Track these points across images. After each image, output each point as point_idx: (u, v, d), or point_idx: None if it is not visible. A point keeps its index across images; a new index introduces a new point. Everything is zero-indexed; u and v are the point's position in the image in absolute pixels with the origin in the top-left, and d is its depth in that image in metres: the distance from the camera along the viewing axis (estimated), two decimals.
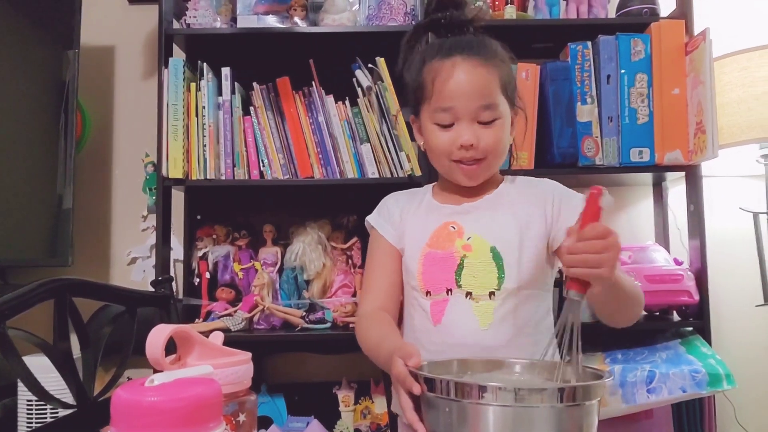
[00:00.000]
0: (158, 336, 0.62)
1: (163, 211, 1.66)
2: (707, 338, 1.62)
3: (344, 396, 1.75)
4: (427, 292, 1.08)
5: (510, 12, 1.74)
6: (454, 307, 1.06)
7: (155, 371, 0.59)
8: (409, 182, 1.64)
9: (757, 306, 1.74)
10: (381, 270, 1.15)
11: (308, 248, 1.72)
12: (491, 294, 1.04)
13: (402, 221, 1.15)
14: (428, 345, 1.06)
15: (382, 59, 1.66)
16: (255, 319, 1.69)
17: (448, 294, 1.06)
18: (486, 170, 1.09)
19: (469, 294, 1.05)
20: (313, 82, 1.69)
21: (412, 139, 1.66)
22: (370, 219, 1.20)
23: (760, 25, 1.96)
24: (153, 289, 1.23)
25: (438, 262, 1.07)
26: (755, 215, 1.74)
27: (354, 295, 1.75)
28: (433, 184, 1.22)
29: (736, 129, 1.65)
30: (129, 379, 1.66)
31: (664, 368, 1.51)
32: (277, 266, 1.77)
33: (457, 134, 1.05)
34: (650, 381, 1.49)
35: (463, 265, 1.06)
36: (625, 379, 1.50)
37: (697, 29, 1.67)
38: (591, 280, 0.80)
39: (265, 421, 1.70)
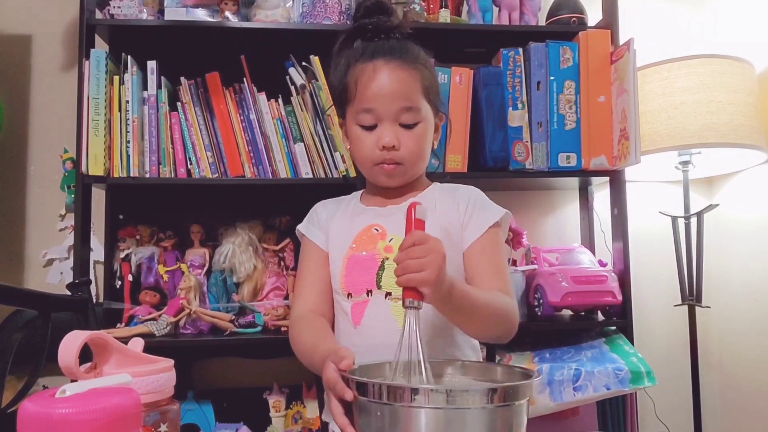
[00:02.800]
0: (71, 343, 0.58)
1: (82, 209, 1.59)
2: (629, 337, 1.69)
3: (275, 401, 1.72)
4: (349, 294, 1.09)
5: (444, 16, 1.76)
6: (374, 308, 1.06)
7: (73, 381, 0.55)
8: (344, 183, 1.62)
9: (675, 306, 1.83)
10: (313, 274, 1.15)
11: (238, 250, 1.68)
12: None
13: (328, 226, 1.16)
14: (351, 348, 1.06)
15: (317, 58, 1.64)
16: (181, 323, 1.63)
17: (368, 295, 1.07)
18: (405, 173, 1.10)
19: (388, 294, 1.05)
20: (245, 79, 1.65)
21: None
22: (301, 227, 1.20)
23: (681, 37, 2.07)
24: (69, 293, 1.17)
25: (360, 264, 1.08)
26: (674, 219, 1.82)
27: (286, 298, 1.72)
28: (362, 190, 1.23)
29: (656, 136, 1.72)
30: (45, 387, 1.57)
31: (590, 366, 1.56)
32: (205, 268, 1.73)
33: (378, 136, 1.07)
34: (576, 379, 1.54)
35: (384, 267, 1.06)
36: (553, 377, 1.54)
37: (622, 39, 1.74)
38: (416, 284, 0.82)
39: (191, 429, 1.64)
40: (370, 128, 1.08)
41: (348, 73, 1.10)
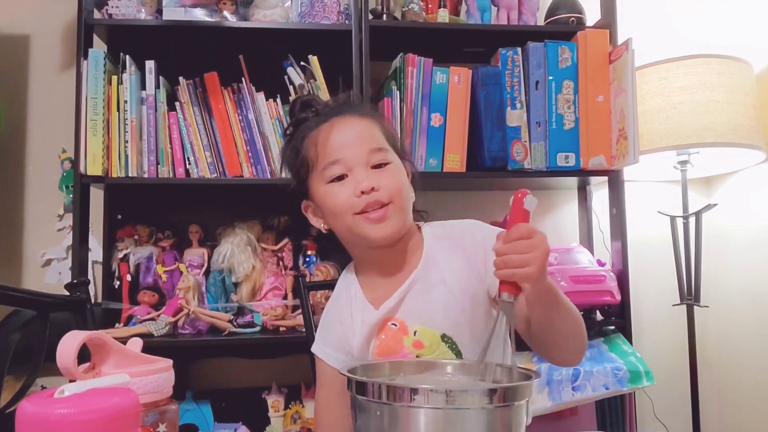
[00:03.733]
0: (70, 343, 0.58)
1: (80, 210, 1.59)
2: (628, 337, 1.69)
3: (274, 401, 1.72)
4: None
5: (443, 16, 1.76)
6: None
7: (72, 382, 0.55)
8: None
9: (673, 305, 1.83)
10: (337, 404, 1.03)
11: (237, 250, 1.68)
12: None
13: (346, 343, 1.05)
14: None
15: (315, 57, 1.64)
16: (180, 323, 1.63)
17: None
18: (395, 214, 0.98)
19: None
20: (243, 79, 1.65)
21: None
22: (316, 351, 1.09)
23: (679, 37, 2.06)
24: (68, 293, 1.16)
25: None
26: (672, 219, 1.82)
27: (285, 297, 1.72)
28: (354, 274, 1.10)
29: (655, 136, 1.72)
30: (43, 387, 1.57)
31: (588, 366, 1.56)
32: (204, 268, 1.73)
33: (353, 183, 0.97)
34: (575, 379, 1.54)
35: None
36: (552, 377, 1.54)
37: (620, 39, 1.74)
38: (518, 280, 0.81)
39: (190, 429, 1.64)
40: (341, 179, 0.98)
41: (303, 145, 1.03)
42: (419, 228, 1.07)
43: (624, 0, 1.84)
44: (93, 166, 1.57)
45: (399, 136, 1.12)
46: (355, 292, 1.07)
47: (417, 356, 0.98)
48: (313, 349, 1.09)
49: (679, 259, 1.82)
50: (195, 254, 1.74)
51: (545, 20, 1.85)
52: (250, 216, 1.78)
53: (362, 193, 0.96)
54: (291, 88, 1.64)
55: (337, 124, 1.01)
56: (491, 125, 1.68)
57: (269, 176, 1.63)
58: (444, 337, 0.99)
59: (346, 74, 1.66)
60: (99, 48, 1.63)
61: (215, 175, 1.63)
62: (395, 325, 1.01)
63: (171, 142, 1.63)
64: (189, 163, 1.63)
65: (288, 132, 1.09)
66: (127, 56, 1.62)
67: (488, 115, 1.68)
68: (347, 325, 1.05)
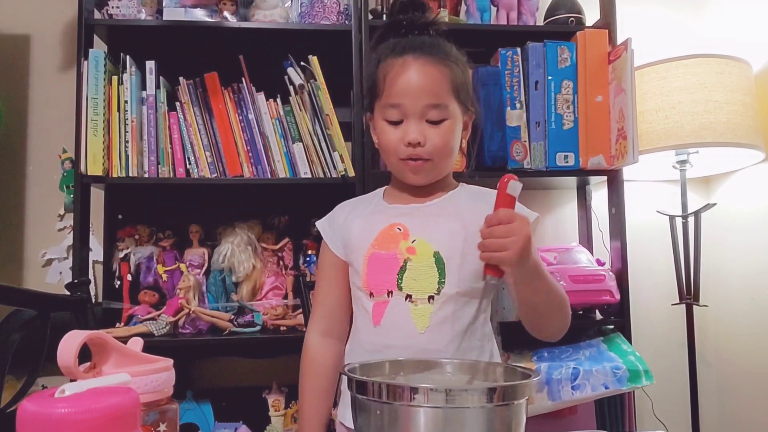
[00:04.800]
0: (71, 343, 0.58)
1: (81, 209, 1.59)
2: (627, 336, 1.69)
3: (274, 400, 1.72)
4: (371, 293, 1.08)
5: (443, 16, 1.76)
6: (394, 309, 1.05)
7: (72, 381, 0.55)
8: (342, 183, 1.62)
9: (672, 304, 1.83)
10: (328, 285, 1.16)
11: (237, 249, 1.69)
12: (430, 298, 1.04)
13: (347, 225, 1.14)
14: (367, 345, 1.07)
15: (315, 58, 1.64)
16: (180, 323, 1.63)
17: (388, 296, 1.06)
18: (432, 170, 1.09)
19: (408, 297, 1.05)
20: (243, 79, 1.65)
21: (347, 139, 1.65)
22: (319, 225, 1.19)
23: (679, 37, 2.07)
24: (68, 293, 1.17)
25: (382, 263, 1.07)
26: (671, 218, 1.83)
27: (285, 297, 1.72)
28: (386, 186, 1.21)
29: (654, 136, 1.72)
30: (44, 387, 1.57)
31: (588, 365, 1.56)
32: (204, 268, 1.73)
33: (404, 132, 1.05)
34: (575, 378, 1.54)
35: (405, 268, 1.05)
36: (551, 376, 1.54)
37: (619, 39, 1.74)
38: (497, 263, 0.86)
39: (191, 429, 1.64)
40: (397, 123, 1.07)
41: (378, 68, 1.10)
42: (459, 185, 1.17)
43: (623, 0, 1.84)
44: (93, 166, 1.57)
45: (470, 80, 1.17)
46: (376, 196, 1.19)
47: (406, 260, 1.05)
48: (318, 223, 1.19)
49: (678, 258, 1.82)
50: (195, 254, 1.74)
51: (544, 20, 1.86)
52: (251, 216, 1.78)
53: (409, 144, 1.04)
54: (291, 88, 1.64)
55: (409, 65, 1.06)
56: (491, 125, 1.68)
57: (269, 176, 1.64)
58: (436, 255, 1.05)
59: (346, 74, 1.66)
60: (99, 48, 1.63)
61: (215, 175, 1.64)
62: (400, 230, 1.08)
63: (171, 142, 1.63)
64: (189, 163, 1.64)
65: (379, 33, 1.16)
66: (128, 56, 1.62)
67: (488, 115, 1.68)
68: (359, 210, 1.15)
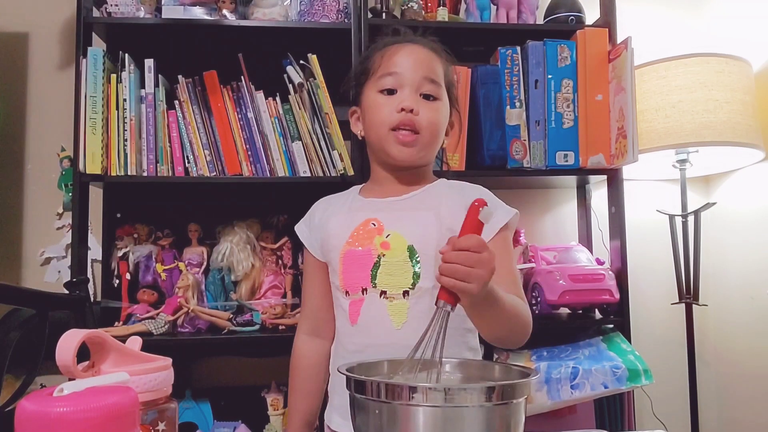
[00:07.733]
0: (69, 341, 0.58)
1: (79, 208, 1.59)
2: (627, 335, 1.69)
3: (273, 399, 1.72)
4: (346, 292, 1.08)
5: (442, 14, 1.76)
6: (369, 307, 1.05)
7: (71, 380, 0.55)
8: (342, 181, 1.62)
9: (672, 304, 1.83)
10: (311, 286, 1.19)
11: (236, 248, 1.68)
12: (405, 293, 1.03)
13: (322, 224, 1.14)
14: (348, 345, 1.07)
15: (314, 56, 1.63)
16: (179, 321, 1.63)
17: (363, 293, 1.05)
18: (421, 147, 1.07)
19: (383, 293, 1.04)
20: (242, 77, 1.65)
21: (346, 138, 1.65)
22: (297, 229, 1.21)
23: (679, 36, 2.07)
24: (67, 291, 1.16)
25: (356, 260, 1.07)
26: (671, 217, 1.82)
27: (284, 296, 1.72)
28: (363, 184, 1.21)
29: (654, 135, 1.72)
30: (43, 386, 1.57)
31: (587, 364, 1.56)
32: (203, 267, 1.73)
33: (399, 100, 1.07)
34: (574, 377, 1.54)
35: (379, 264, 1.05)
36: (550, 375, 1.54)
37: (619, 38, 1.74)
38: (458, 292, 0.79)
39: (189, 428, 1.64)
40: (391, 93, 1.08)
41: (372, 55, 1.13)
42: (438, 177, 1.17)
43: None
44: (92, 165, 1.56)
45: (457, 86, 1.22)
46: (353, 192, 1.19)
47: (380, 256, 1.04)
48: (297, 227, 1.21)
49: (677, 257, 1.82)
50: (194, 253, 1.74)
51: (544, 19, 1.85)
52: (250, 214, 1.78)
53: (402, 110, 1.05)
54: (290, 86, 1.64)
55: (407, 46, 1.11)
56: (490, 124, 1.68)
57: (268, 175, 1.63)
58: (410, 248, 1.05)
59: (346, 73, 1.66)
60: (98, 46, 1.63)
61: (214, 173, 1.63)
62: (374, 225, 1.08)
63: (170, 141, 1.63)
64: (188, 162, 1.63)
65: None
66: (126, 55, 1.61)
67: (487, 114, 1.68)
68: (335, 207, 1.16)
